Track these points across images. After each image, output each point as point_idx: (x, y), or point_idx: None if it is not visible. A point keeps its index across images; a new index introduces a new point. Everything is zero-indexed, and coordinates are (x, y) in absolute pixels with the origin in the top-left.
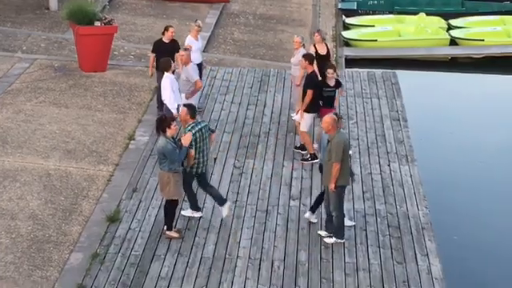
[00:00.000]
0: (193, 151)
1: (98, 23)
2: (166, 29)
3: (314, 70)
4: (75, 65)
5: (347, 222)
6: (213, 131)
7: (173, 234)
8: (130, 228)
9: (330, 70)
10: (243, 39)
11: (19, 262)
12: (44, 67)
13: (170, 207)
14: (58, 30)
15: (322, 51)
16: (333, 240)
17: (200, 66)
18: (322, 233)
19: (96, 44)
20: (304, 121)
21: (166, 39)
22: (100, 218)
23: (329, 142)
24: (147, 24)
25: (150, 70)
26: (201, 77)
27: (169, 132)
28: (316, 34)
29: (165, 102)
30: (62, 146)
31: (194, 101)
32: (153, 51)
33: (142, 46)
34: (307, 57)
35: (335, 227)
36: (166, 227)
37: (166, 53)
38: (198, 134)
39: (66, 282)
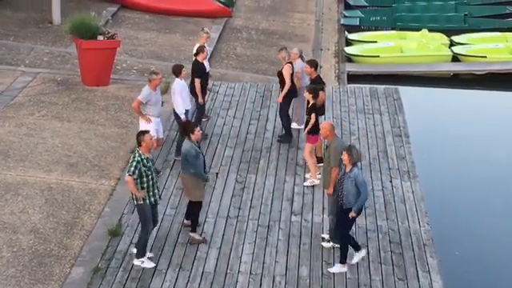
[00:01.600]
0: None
1: (100, 37)
2: (202, 50)
3: (318, 75)
4: (78, 79)
5: (355, 257)
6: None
7: (196, 236)
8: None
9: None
10: (246, 54)
11: (20, 275)
12: (47, 81)
13: (195, 209)
14: (60, 43)
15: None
16: (335, 268)
17: (207, 74)
18: (327, 244)
19: (99, 58)
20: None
21: (200, 59)
22: (102, 232)
23: (327, 147)
24: (150, 38)
25: (200, 98)
26: (207, 83)
27: (193, 137)
28: (295, 53)
29: (174, 106)
30: (64, 160)
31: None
32: (198, 77)
33: (144, 61)
34: (311, 63)
35: (340, 247)
36: (190, 229)
37: (205, 73)
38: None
39: None
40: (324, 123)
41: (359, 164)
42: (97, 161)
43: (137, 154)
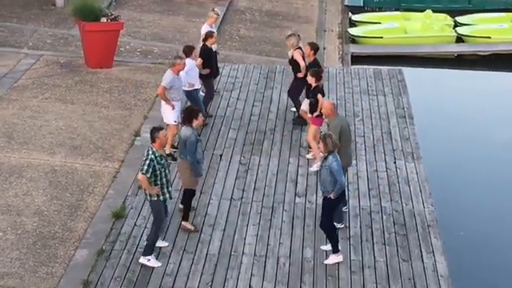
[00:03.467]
0: None
1: (104, 19)
2: (211, 35)
3: (315, 59)
4: (81, 61)
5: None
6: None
7: (188, 225)
8: (135, 224)
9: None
10: (249, 36)
11: (25, 258)
12: (50, 63)
13: (187, 196)
14: (64, 26)
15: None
16: (330, 259)
17: (215, 53)
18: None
19: (102, 40)
20: (305, 105)
21: (209, 44)
22: (106, 214)
23: (328, 126)
24: (153, 20)
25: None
26: (216, 64)
27: (195, 123)
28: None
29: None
30: (67, 143)
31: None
32: (206, 62)
33: (147, 43)
34: (312, 45)
35: (328, 238)
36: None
37: (213, 58)
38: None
39: (71, 278)
40: (325, 102)
41: (336, 153)
42: (100, 143)
43: (150, 152)
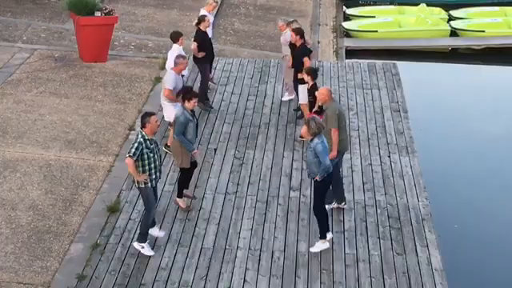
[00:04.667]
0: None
1: (98, 13)
2: (203, 19)
3: (303, 42)
4: (75, 55)
5: (316, 245)
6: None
7: (180, 201)
8: (130, 218)
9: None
10: (244, 30)
11: (19, 252)
12: (44, 57)
13: (182, 175)
14: (58, 20)
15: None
16: (316, 247)
17: (210, 40)
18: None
19: (96, 34)
20: (302, 93)
21: (203, 27)
22: (100, 208)
23: (324, 111)
24: (147, 14)
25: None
26: (211, 47)
27: (187, 104)
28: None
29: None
30: (62, 137)
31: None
32: (201, 46)
33: (142, 37)
34: (297, 31)
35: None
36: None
37: (208, 41)
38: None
39: (66, 272)
40: (321, 88)
41: (322, 136)
42: (95, 137)
43: (139, 135)
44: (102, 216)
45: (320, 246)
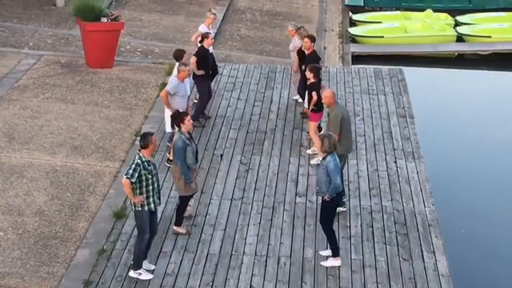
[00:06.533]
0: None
1: (104, 19)
2: (206, 36)
3: (314, 50)
4: (82, 61)
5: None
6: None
7: (180, 229)
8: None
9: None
10: (250, 35)
11: (26, 257)
12: (51, 63)
13: (180, 202)
14: (64, 26)
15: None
16: (328, 262)
17: (213, 57)
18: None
19: (103, 40)
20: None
21: (206, 45)
22: (106, 214)
23: (328, 115)
24: (154, 20)
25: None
26: (214, 65)
27: (183, 127)
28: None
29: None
30: (68, 142)
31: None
32: (203, 63)
33: (148, 42)
34: (312, 37)
35: (327, 240)
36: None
37: (210, 59)
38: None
39: (72, 278)
40: (326, 91)
41: (335, 154)
42: (101, 143)
43: (137, 157)
44: (109, 222)
45: (333, 262)
